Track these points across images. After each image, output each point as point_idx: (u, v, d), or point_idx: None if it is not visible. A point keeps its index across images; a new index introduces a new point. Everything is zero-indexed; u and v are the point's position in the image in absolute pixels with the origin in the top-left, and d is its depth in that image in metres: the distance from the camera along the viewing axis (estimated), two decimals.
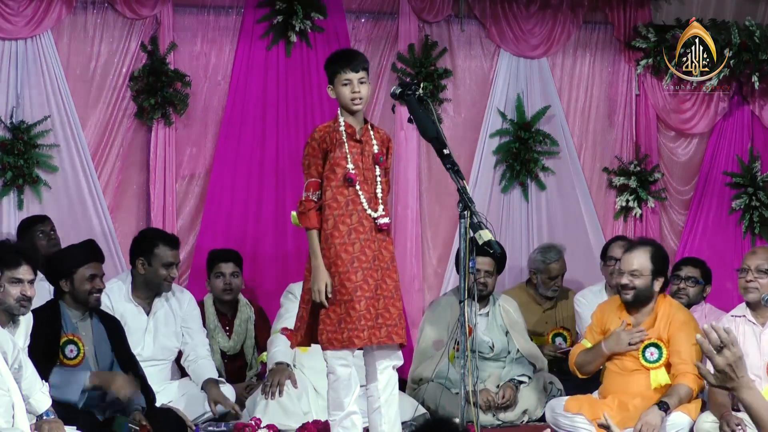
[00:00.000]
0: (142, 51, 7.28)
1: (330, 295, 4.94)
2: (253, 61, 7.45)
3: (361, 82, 5.01)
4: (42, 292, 6.66)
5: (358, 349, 5.04)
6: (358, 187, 4.98)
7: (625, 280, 5.87)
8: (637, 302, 5.91)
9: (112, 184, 7.31)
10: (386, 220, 5.03)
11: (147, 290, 6.23)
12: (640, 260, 5.87)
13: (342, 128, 5.01)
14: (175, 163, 7.34)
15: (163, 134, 7.30)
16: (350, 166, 4.97)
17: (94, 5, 7.24)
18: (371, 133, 5.08)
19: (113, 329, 5.79)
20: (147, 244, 6.22)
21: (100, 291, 5.71)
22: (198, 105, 7.42)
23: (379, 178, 5.04)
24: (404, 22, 7.68)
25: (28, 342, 5.27)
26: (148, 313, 6.23)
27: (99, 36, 7.25)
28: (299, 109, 7.52)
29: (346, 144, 4.99)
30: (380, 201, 5.03)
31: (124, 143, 7.33)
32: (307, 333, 5.09)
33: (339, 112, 5.06)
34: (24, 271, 5.09)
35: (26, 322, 5.25)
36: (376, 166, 5.04)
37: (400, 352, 5.15)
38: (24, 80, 7.10)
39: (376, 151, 5.05)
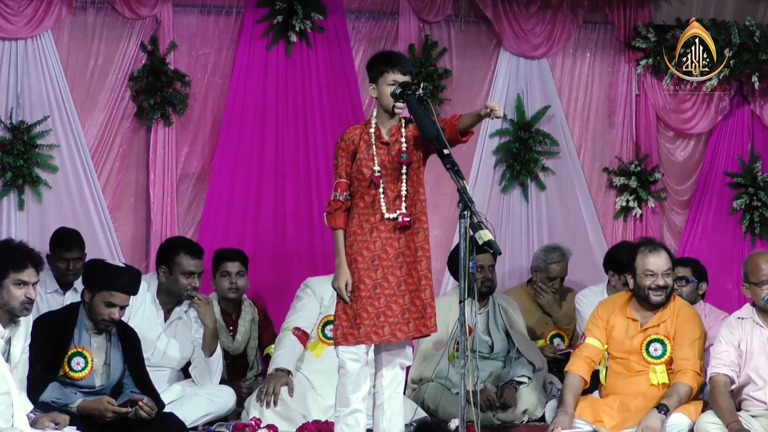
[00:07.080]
0: (142, 51, 7.28)
1: (350, 293, 5.02)
2: (253, 61, 7.45)
3: None
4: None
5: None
6: (381, 189, 5.02)
7: (661, 282, 5.89)
8: (666, 302, 5.93)
9: (112, 184, 7.31)
10: (404, 219, 5.01)
11: (169, 297, 6.17)
12: (668, 260, 5.93)
13: (372, 130, 5.08)
14: (174, 163, 7.34)
15: (163, 134, 7.30)
16: (376, 168, 5.03)
17: (94, 5, 7.24)
18: (403, 131, 5.10)
19: (129, 341, 5.74)
20: (169, 253, 6.15)
21: (113, 321, 5.58)
22: (198, 105, 7.42)
23: (404, 176, 5.05)
24: (404, 22, 7.68)
25: (28, 341, 5.27)
26: (165, 320, 6.18)
27: (99, 36, 7.26)
28: (299, 109, 7.52)
29: (374, 145, 5.05)
30: (404, 199, 5.04)
31: (124, 143, 7.33)
32: None
33: (374, 112, 5.13)
34: (29, 274, 5.10)
35: (26, 322, 5.25)
36: (402, 165, 5.07)
37: (409, 352, 5.21)
38: (24, 80, 7.10)
39: (403, 149, 5.06)
